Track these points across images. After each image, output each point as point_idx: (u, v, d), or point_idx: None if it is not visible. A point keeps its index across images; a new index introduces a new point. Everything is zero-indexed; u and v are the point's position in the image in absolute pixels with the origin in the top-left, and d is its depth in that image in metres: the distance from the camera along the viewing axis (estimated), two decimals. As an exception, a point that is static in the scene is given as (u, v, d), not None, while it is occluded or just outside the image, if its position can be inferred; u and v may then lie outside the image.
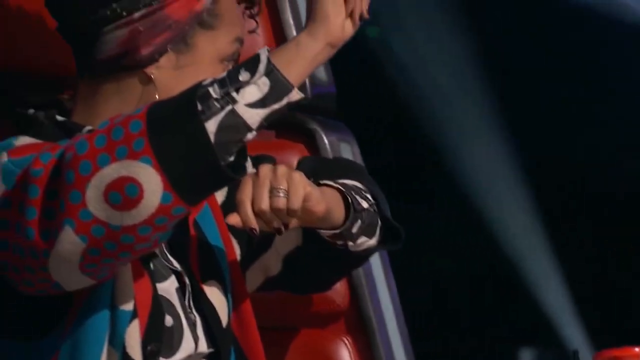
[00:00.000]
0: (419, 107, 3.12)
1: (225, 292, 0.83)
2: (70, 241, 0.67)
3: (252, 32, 0.85)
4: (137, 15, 0.76)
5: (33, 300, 0.74)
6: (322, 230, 0.81)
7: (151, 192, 0.64)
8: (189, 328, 0.81)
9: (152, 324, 0.77)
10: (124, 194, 0.65)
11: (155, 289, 0.78)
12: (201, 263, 0.83)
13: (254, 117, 0.68)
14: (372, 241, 0.86)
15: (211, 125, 0.65)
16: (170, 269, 0.81)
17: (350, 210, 0.80)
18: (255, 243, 0.88)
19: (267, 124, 0.70)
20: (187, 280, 0.81)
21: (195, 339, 0.81)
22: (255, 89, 0.68)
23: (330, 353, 1.11)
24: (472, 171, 3.18)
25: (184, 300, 0.81)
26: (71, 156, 0.65)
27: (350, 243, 0.83)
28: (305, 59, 0.71)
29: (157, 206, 0.65)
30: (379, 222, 0.86)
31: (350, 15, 0.73)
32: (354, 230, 0.82)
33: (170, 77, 0.78)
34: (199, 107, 0.65)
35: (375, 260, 1.12)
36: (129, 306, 0.75)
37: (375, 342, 1.11)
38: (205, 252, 0.83)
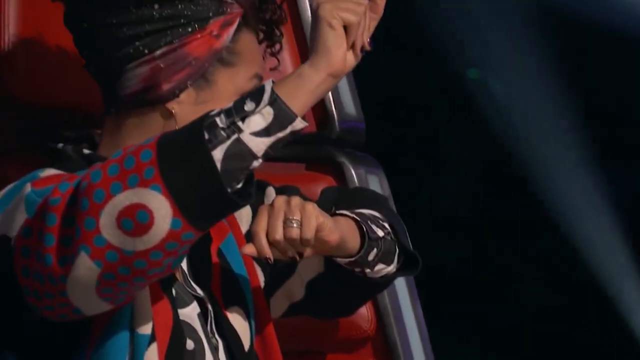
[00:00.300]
0: (516, 147, 3.25)
1: (248, 318, 0.86)
2: (85, 266, 0.69)
3: (273, 69, 0.87)
4: (158, 52, 0.79)
5: (55, 327, 0.76)
6: (338, 259, 0.83)
7: (161, 218, 0.66)
8: (210, 352, 0.83)
9: (173, 347, 0.79)
10: (136, 220, 0.67)
11: (176, 314, 0.80)
12: (224, 290, 0.85)
13: (259, 145, 0.69)
14: (390, 268, 0.87)
15: (218, 154, 0.67)
16: (193, 295, 0.83)
17: (365, 238, 0.82)
18: (279, 270, 0.89)
19: (274, 152, 0.72)
20: (209, 306, 0.83)
21: (214, 356, 0.83)
22: (260, 118, 0.70)
23: None
24: (567, 208, 3.35)
25: (206, 325, 0.83)
26: (86, 185, 0.68)
27: (368, 270, 0.84)
28: (307, 89, 0.73)
29: (167, 231, 0.67)
30: (397, 249, 0.87)
31: (352, 47, 0.75)
32: (370, 258, 0.83)
33: (190, 112, 0.79)
34: (206, 136, 0.67)
35: (402, 286, 1.14)
36: (147, 330, 0.77)
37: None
38: (229, 279, 0.86)
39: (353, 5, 0.74)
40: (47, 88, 1.03)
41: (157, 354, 0.78)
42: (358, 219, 0.83)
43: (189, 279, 0.84)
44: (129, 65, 0.80)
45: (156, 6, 0.79)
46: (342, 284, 0.89)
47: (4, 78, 1.01)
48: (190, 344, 0.82)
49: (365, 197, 0.94)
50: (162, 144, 0.68)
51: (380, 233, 0.85)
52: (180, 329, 0.80)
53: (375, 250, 0.84)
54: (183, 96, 0.80)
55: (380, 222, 0.87)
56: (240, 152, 0.69)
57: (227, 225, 0.89)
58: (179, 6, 0.79)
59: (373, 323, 1.12)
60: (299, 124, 0.71)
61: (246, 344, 0.85)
